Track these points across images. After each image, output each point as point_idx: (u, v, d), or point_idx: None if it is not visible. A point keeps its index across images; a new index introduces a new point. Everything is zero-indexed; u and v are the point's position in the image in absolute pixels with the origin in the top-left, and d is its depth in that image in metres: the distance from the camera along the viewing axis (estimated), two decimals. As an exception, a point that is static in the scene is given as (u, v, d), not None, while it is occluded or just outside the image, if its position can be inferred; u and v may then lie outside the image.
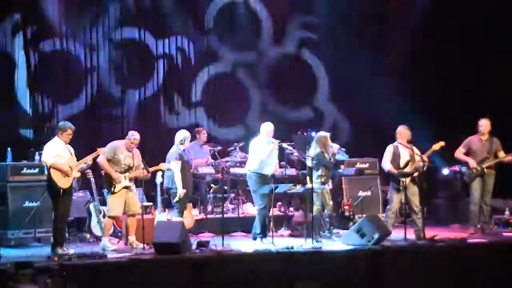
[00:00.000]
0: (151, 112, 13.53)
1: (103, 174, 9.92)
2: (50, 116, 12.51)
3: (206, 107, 14.00)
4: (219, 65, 14.09)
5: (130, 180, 9.84)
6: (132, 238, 9.84)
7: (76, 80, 13.01)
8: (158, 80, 13.58)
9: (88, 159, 9.54)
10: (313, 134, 11.16)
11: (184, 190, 10.04)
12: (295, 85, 14.37)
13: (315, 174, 10.39)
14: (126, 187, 9.80)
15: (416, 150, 10.47)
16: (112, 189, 9.72)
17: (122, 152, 9.78)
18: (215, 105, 14.05)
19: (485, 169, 10.92)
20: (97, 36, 13.06)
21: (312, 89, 14.64)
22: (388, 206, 10.66)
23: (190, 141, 11.81)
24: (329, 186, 10.65)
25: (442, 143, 10.41)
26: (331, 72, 14.51)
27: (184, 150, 10.42)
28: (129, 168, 9.81)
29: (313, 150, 10.45)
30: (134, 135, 9.86)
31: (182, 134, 10.28)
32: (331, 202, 10.60)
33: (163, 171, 10.16)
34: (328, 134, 10.60)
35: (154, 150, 11.79)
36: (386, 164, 10.58)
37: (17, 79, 12.52)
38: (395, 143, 10.62)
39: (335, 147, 10.56)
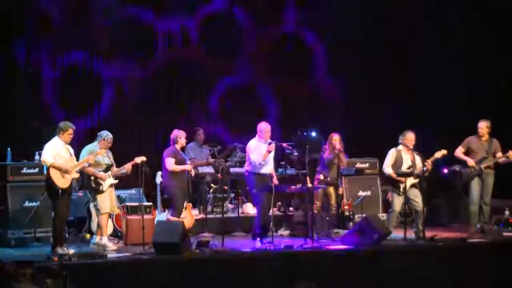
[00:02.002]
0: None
1: (85, 181, 9.93)
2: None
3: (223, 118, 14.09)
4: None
5: (115, 178, 9.90)
6: (105, 238, 9.83)
7: (92, 91, 13.11)
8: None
9: (91, 159, 9.55)
10: (313, 133, 11.18)
11: (191, 166, 10.21)
12: (293, 61, 14.32)
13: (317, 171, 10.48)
14: (111, 185, 9.87)
15: (417, 155, 10.47)
16: (101, 188, 9.75)
17: (98, 153, 9.80)
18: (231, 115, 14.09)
19: (483, 169, 10.94)
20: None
21: (310, 66, 14.61)
22: (390, 209, 10.68)
23: (189, 142, 11.87)
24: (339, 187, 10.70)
25: (444, 152, 10.41)
26: (329, 50, 14.54)
27: (183, 148, 10.47)
28: (110, 166, 9.87)
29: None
30: (109, 135, 9.90)
31: (173, 134, 10.39)
32: (334, 202, 10.61)
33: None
34: (336, 134, 10.64)
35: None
36: (387, 168, 10.59)
37: (41, 91, 12.63)
38: (398, 148, 10.63)
39: (337, 147, 10.58)
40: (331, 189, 10.60)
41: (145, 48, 13.51)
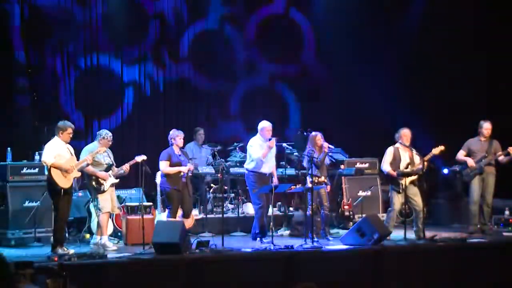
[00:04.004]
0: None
1: (86, 180, 9.91)
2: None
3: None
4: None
5: (116, 177, 9.89)
6: (105, 238, 9.84)
7: (112, 94, 13.26)
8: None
9: (89, 159, 9.55)
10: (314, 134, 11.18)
11: (192, 166, 10.23)
12: (282, 41, 14.38)
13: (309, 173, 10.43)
14: (112, 185, 9.87)
15: (415, 152, 10.47)
16: (102, 188, 9.75)
17: (99, 152, 9.79)
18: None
19: (483, 167, 10.94)
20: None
21: (299, 47, 14.65)
22: (389, 208, 10.66)
23: (189, 142, 11.85)
24: (327, 186, 10.64)
25: (442, 148, 10.41)
26: (317, 32, 14.61)
27: (182, 149, 10.42)
28: (111, 166, 9.87)
29: (307, 149, 10.52)
30: (108, 133, 9.93)
31: (170, 135, 10.36)
32: (326, 203, 10.57)
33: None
34: (318, 134, 10.62)
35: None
36: (386, 166, 10.58)
37: (62, 94, 12.76)
38: (396, 145, 10.63)
39: (325, 146, 10.54)
40: (322, 190, 10.55)
41: (163, 48, 13.64)
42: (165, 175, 10.21)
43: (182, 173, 10.23)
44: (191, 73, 13.84)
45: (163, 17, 13.60)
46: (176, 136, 10.34)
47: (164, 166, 10.18)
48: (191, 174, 10.62)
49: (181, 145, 10.48)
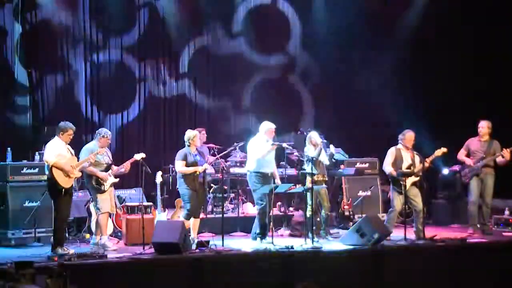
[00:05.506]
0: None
1: (85, 179, 9.89)
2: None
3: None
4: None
5: (115, 176, 9.88)
6: (104, 238, 9.82)
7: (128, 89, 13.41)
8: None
9: (92, 158, 9.55)
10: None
11: (208, 166, 10.21)
12: (269, 32, 14.47)
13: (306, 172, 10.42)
14: (112, 184, 9.86)
15: (416, 154, 10.46)
16: (102, 188, 9.74)
17: (99, 153, 9.79)
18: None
19: (480, 168, 10.94)
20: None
21: (286, 37, 14.68)
22: (390, 209, 10.66)
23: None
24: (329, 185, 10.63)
25: (444, 150, 10.40)
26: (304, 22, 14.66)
27: (198, 149, 10.34)
28: (110, 165, 9.86)
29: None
30: (108, 132, 9.92)
31: (186, 135, 10.26)
32: (326, 203, 10.56)
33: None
34: (314, 132, 10.63)
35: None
36: (387, 167, 10.57)
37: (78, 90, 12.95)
38: (398, 146, 10.62)
39: (318, 142, 10.52)
40: (322, 190, 10.54)
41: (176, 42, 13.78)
42: (182, 176, 10.06)
43: (198, 173, 10.07)
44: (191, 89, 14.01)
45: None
46: (194, 136, 10.25)
47: (180, 166, 10.06)
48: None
49: (199, 144, 10.36)
